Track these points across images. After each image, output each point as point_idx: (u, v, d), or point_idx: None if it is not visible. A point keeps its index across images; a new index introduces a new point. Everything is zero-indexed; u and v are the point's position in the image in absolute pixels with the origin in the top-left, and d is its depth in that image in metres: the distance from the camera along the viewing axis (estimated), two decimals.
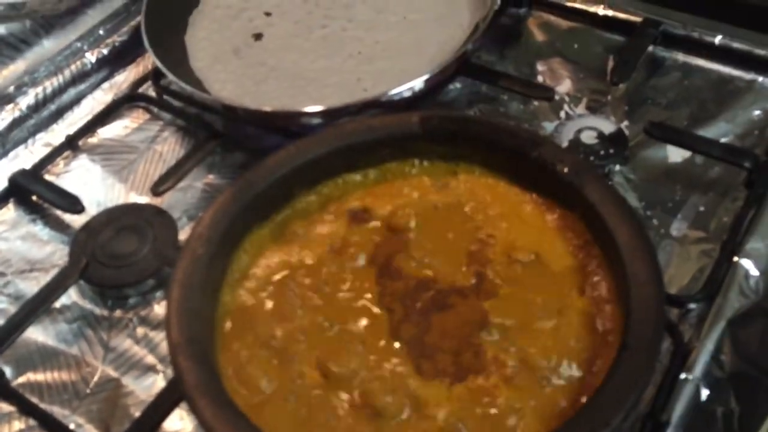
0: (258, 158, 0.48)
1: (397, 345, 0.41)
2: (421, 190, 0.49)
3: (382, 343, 0.41)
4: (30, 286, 0.54)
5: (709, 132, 0.59)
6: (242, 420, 0.35)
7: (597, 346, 0.40)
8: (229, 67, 0.64)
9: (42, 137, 0.65)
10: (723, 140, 0.58)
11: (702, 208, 0.55)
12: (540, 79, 0.65)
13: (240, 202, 0.45)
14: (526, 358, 0.40)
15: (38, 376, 0.50)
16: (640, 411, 0.44)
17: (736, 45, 0.63)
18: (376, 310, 0.43)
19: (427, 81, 0.57)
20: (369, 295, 0.44)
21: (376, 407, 0.38)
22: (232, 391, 0.38)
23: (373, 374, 0.39)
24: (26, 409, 0.48)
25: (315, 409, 0.38)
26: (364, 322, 0.42)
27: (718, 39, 0.64)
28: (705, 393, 0.44)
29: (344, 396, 0.39)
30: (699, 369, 0.45)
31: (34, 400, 0.48)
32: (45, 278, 0.54)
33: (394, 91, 0.56)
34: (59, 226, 0.59)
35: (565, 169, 0.44)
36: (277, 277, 0.45)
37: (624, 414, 0.34)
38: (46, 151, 0.63)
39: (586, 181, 0.43)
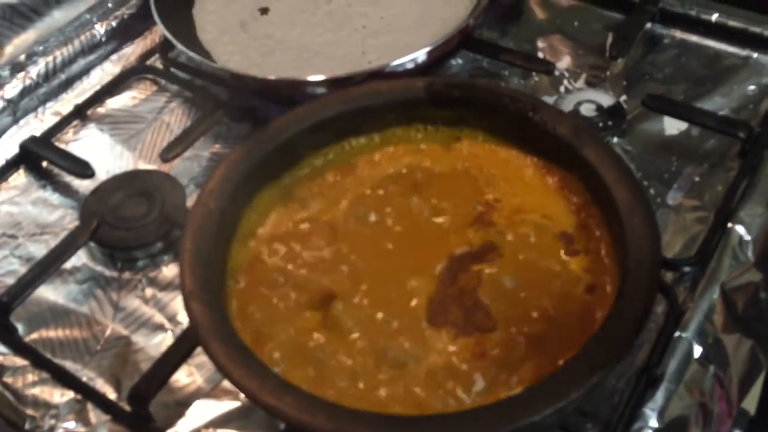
0: None
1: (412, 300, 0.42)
2: (426, 155, 0.50)
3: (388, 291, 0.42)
4: (40, 249, 0.56)
5: (705, 106, 0.60)
6: (254, 361, 0.37)
7: (596, 300, 0.41)
8: (236, 40, 0.66)
9: (52, 106, 0.66)
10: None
11: (697, 179, 0.56)
12: (540, 55, 0.67)
13: (250, 161, 0.46)
14: (530, 315, 0.41)
15: (50, 333, 0.51)
16: (636, 366, 0.46)
17: (731, 23, 0.65)
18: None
19: (429, 53, 0.59)
20: (369, 250, 0.45)
21: (380, 349, 0.39)
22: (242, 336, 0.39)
23: (379, 319, 0.41)
24: (39, 362, 0.49)
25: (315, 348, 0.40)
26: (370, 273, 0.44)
27: (714, 17, 0.65)
28: (698, 350, 0.46)
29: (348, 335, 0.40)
30: (692, 328, 0.47)
31: (47, 355, 0.50)
32: (55, 241, 0.55)
33: (397, 62, 0.57)
34: (69, 192, 0.60)
35: (565, 131, 0.45)
36: (284, 234, 0.46)
37: (620, 358, 0.35)
38: (56, 119, 0.64)
39: (584, 143, 0.45)
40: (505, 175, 0.48)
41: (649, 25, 0.66)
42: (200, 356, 0.48)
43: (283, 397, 0.35)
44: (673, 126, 0.60)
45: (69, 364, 0.49)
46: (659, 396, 0.43)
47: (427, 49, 0.58)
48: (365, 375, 0.39)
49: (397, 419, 0.35)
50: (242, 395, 0.46)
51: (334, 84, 0.57)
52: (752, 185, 0.53)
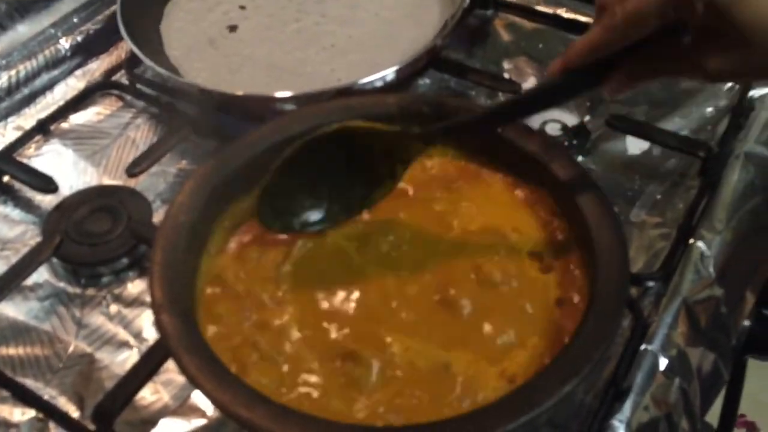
0: None
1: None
2: None
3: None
4: (0, 265, 0.54)
5: (665, 127, 0.62)
6: (227, 374, 0.36)
7: (566, 313, 0.42)
8: (204, 56, 0.66)
9: (14, 120, 0.65)
10: None
11: (659, 196, 0.58)
12: (506, 76, 0.68)
13: (220, 175, 0.46)
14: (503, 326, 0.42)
15: (10, 350, 0.50)
16: (604, 379, 0.46)
17: None
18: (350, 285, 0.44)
19: (398, 72, 0.59)
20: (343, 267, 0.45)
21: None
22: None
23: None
24: None
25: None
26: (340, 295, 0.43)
27: None
28: (663, 363, 0.47)
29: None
30: (657, 341, 0.47)
31: (7, 372, 0.48)
32: (16, 257, 0.54)
33: (365, 80, 0.58)
34: (31, 207, 0.59)
35: (534, 148, 0.46)
36: (253, 252, 0.46)
37: (592, 365, 0.36)
38: (18, 134, 0.63)
39: (553, 159, 0.46)
40: (474, 192, 0.49)
41: None
42: (166, 373, 0.47)
43: (255, 409, 0.35)
44: (635, 146, 0.61)
45: (30, 382, 0.48)
46: (627, 408, 0.44)
47: (396, 67, 0.59)
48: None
49: (369, 430, 0.35)
50: (210, 412, 0.46)
51: (302, 100, 0.57)
52: (712, 203, 0.55)
